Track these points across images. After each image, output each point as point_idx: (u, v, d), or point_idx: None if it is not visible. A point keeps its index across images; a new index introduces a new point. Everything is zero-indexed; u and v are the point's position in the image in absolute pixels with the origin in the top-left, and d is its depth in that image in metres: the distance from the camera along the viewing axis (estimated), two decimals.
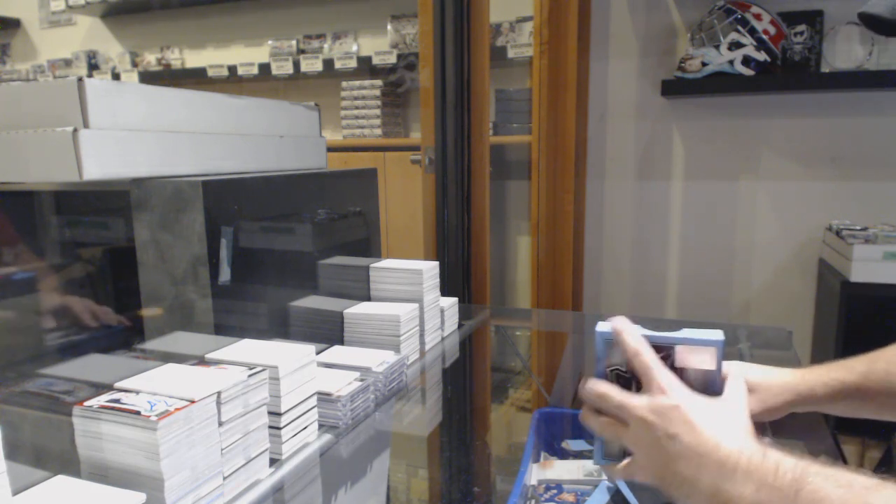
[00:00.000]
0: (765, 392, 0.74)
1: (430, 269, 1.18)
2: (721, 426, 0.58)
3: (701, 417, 0.59)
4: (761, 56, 2.00)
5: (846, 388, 0.73)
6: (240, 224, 0.91)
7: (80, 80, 0.77)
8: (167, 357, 0.77)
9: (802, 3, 2.10)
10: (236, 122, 1.04)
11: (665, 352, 0.65)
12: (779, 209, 2.25)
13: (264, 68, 3.09)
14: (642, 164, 2.40)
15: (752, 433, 0.59)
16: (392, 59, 2.85)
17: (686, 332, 0.66)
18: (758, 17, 2.00)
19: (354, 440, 0.86)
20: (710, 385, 0.64)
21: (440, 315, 1.25)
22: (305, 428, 0.80)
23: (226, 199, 0.89)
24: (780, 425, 0.79)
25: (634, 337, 0.65)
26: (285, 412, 0.76)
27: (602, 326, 0.68)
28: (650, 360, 0.63)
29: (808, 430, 0.83)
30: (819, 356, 2.09)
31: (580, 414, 0.69)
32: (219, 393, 0.65)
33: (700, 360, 0.64)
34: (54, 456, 0.64)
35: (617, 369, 0.67)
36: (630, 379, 0.67)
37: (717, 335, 0.65)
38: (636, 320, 0.69)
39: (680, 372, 0.65)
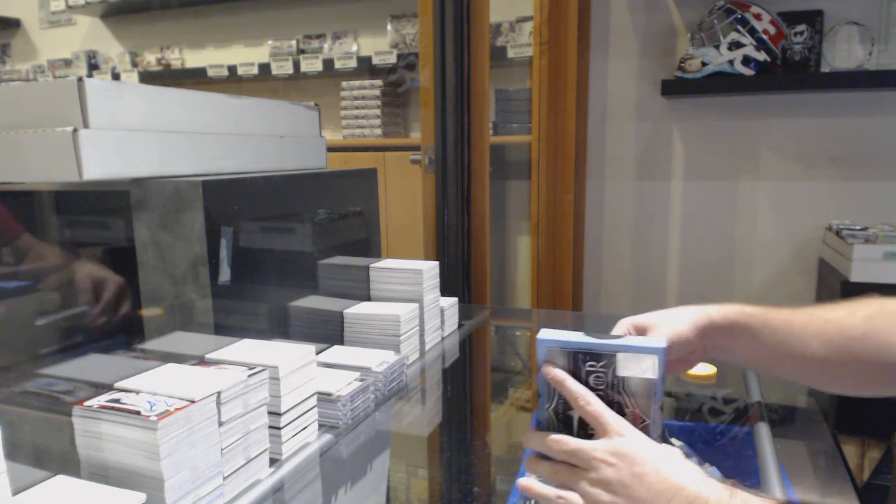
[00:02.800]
0: (669, 323, 0.75)
1: (430, 269, 1.18)
2: (683, 468, 0.60)
3: (663, 459, 0.60)
4: (761, 56, 2.00)
5: (741, 318, 0.75)
6: (240, 224, 0.91)
7: (79, 80, 0.77)
8: (167, 357, 0.77)
9: (802, 3, 2.10)
10: (236, 122, 1.04)
11: (607, 360, 0.65)
12: (779, 209, 2.25)
13: (264, 68, 3.08)
14: (642, 164, 2.40)
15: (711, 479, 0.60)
16: (392, 59, 2.85)
17: (628, 340, 0.65)
18: (758, 16, 2.00)
19: (354, 440, 0.86)
20: (651, 393, 0.64)
21: (440, 315, 1.25)
22: (305, 428, 0.80)
23: (226, 199, 0.89)
24: (780, 426, 0.79)
25: (577, 384, 0.65)
26: (285, 412, 0.76)
27: (543, 335, 0.67)
28: (600, 406, 0.64)
29: (808, 430, 0.83)
30: None
31: (526, 462, 0.69)
32: (219, 393, 0.65)
33: (642, 368, 0.64)
34: (54, 456, 0.64)
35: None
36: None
37: (659, 342, 0.64)
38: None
39: (622, 381, 0.64)
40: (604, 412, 0.63)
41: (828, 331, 0.74)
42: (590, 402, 0.64)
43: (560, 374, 0.66)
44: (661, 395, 0.64)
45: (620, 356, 0.64)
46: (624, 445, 0.61)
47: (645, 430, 0.64)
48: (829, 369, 0.73)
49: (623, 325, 0.76)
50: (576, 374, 0.66)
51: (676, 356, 0.75)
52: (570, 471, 0.63)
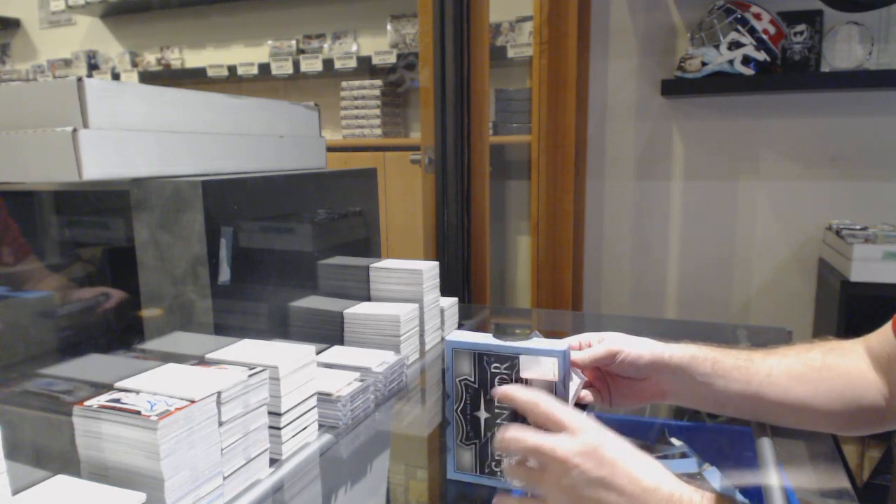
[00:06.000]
0: (628, 350, 0.73)
1: (430, 269, 1.18)
2: (653, 467, 0.56)
3: (630, 457, 0.56)
4: (761, 56, 2.00)
5: (694, 357, 0.74)
6: (240, 224, 0.91)
7: (79, 79, 0.77)
8: (167, 357, 0.77)
9: (802, 2, 2.10)
10: (236, 122, 1.04)
11: (509, 362, 0.65)
12: (779, 209, 2.25)
13: (264, 68, 3.08)
14: (642, 163, 2.40)
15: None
16: (392, 59, 2.85)
17: (533, 343, 0.65)
18: (757, 16, 2.00)
19: (354, 440, 0.86)
20: (552, 395, 0.63)
21: (440, 315, 1.25)
22: (305, 428, 0.80)
23: (226, 199, 0.89)
24: (780, 426, 0.79)
25: (523, 391, 0.62)
26: (285, 412, 0.76)
27: (452, 336, 0.68)
28: (552, 404, 0.59)
29: (808, 430, 0.83)
30: None
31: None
32: (219, 393, 0.65)
33: (543, 370, 0.64)
34: (54, 456, 0.64)
35: (465, 380, 0.67)
36: (479, 389, 0.67)
37: (560, 345, 0.64)
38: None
39: (524, 382, 0.65)
40: (556, 408, 0.59)
41: (788, 360, 0.75)
42: (538, 404, 0.60)
43: (507, 390, 0.62)
44: (565, 399, 0.64)
45: (523, 358, 0.65)
46: (586, 443, 0.56)
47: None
48: (791, 402, 0.73)
49: (577, 339, 0.75)
50: (482, 376, 0.67)
51: (630, 374, 0.74)
52: (527, 470, 0.59)
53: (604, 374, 0.76)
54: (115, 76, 3.47)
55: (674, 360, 0.74)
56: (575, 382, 0.71)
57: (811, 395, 0.73)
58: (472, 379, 0.67)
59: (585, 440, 0.56)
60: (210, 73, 3.19)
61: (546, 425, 0.59)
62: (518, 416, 0.65)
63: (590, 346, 0.74)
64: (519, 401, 0.61)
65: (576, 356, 0.72)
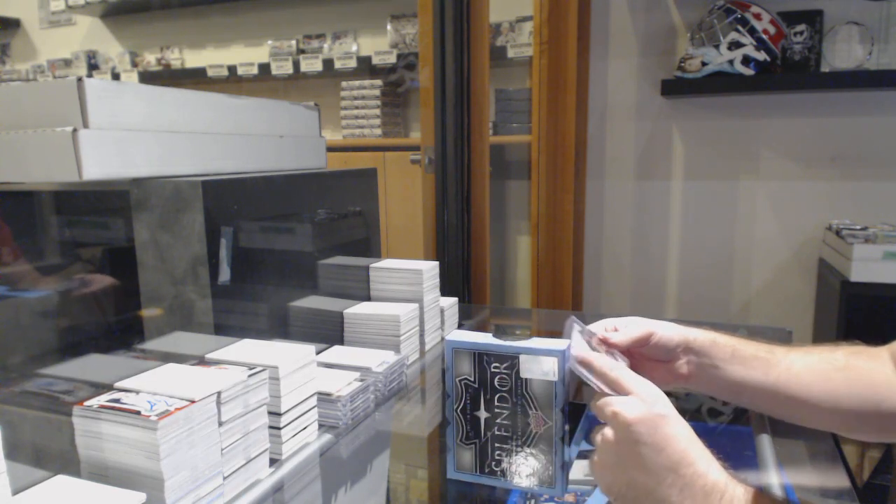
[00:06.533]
0: (661, 332, 0.73)
1: (430, 269, 1.18)
2: (705, 452, 0.56)
3: (688, 437, 0.56)
4: (761, 56, 2.00)
5: (715, 343, 0.74)
6: (240, 224, 0.91)
7: (79, 80, 0.77)
8: (167, 357, 0.77)
9: (802, 2, 2.10)
10: (236, 122, 1.04)
11: (510, 361, 0.65)
12: (779, 209, 2.25)
13: (264, 68, 3.08)
14: (642, 163, 2.40)
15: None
16: (392, 59, 2.85)
17: (532, 342, 0.65)
18: (757, 16, 2.00)
19: (354, 440, 0.86)
20: (553, 396, 0.64)
21: (440, 315, 1.25)
22: (305, 428, 0.80)
23: (226, 199, 0.89)
24: (780, 426, 0.79)
25: (600, 357, 0.63)
26: (285, 412, 0.76)
27: (452, 336, 0.68)
28: (624, 372, 0.61)
29: (808, 430, 0.83)
30: None
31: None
32: (219, 393, 0.65)
33: (543, 370, 0.64)
34: (54, 456, 0.64)
35: (465, 379, 0.67)
36: (479, 389, 0.67)
37: (560, 345, 0.64)
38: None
39: (525, 382, 0.65)
40: (623, 377, 0.60)
41: (811, 357, 0.74)
42: (606, 371, 0.61)
43: (587, 357, 0.63)
44: (564, 398, 0.64)
45: (523, 358, 0.65)
46: (649, 410, 0.56)
47: (547, 432, 0.64)
48: (812, 402, 0.72)
49: (602, 324, 0.75)
50: (482, 375, 0.66)
51: (660, 357, 0.74)
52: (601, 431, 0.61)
53: (630, 357, 0.76)
54: (115, 76, 3.47)
55: (697, 343, 0.74)
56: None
57: (831, 394, 0.72)
58: (472, 379, 0.67)
59: (648, 406, 0.57)
60: (210, 73, 3.19)
61: (616, 391, 0.60)
62: (519, 415, 0.65)
63: (616, 330, 0.74)
64: (596, 368, 0.62)
65: (614, 338, 0.71)
